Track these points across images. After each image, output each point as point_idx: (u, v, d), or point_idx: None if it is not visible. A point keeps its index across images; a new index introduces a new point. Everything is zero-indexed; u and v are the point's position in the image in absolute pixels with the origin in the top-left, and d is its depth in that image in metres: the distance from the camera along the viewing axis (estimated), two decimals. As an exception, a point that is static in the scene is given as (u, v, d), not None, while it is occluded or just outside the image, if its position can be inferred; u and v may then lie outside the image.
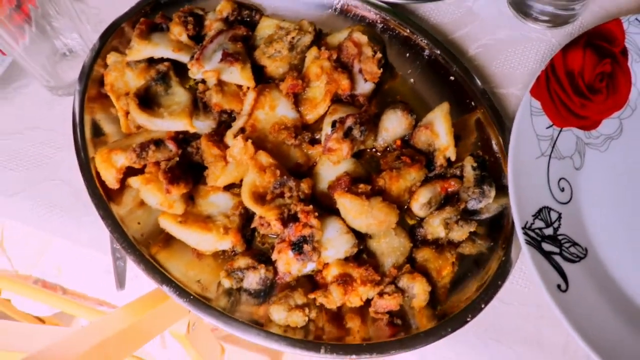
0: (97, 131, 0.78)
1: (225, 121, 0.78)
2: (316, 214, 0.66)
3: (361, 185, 0.69)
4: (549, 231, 0.68)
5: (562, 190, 0.72)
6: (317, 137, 0.77)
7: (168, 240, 0.72)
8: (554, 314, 0.63)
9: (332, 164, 0.73)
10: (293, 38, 0.79)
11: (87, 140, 0.76)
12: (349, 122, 0.71)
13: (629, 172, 0.75)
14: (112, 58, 0.80)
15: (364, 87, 0.78)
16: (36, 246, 1.48)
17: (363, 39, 0.77)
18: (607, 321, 0.65)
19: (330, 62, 0.76)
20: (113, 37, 0.82)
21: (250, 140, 0.71)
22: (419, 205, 0.70)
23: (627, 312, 0.67)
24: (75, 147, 0.75)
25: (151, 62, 0.80)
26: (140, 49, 0.78)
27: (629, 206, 0.73)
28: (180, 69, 0.80)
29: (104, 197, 0.72)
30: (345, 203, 0.68)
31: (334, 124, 0.72)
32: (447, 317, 0.65)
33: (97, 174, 0.73)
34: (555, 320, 0.68)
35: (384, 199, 0.69)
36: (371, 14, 0.83)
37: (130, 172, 0.73)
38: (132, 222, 0.72)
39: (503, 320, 0.70)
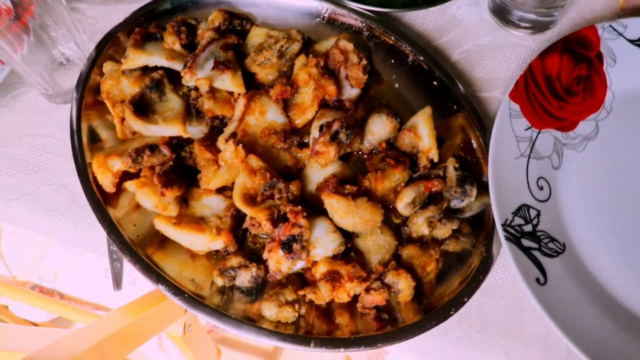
0: (94, 137, 0.80)
1: (217, 126, 0.80)
2: (305, 214, 0.69)
3: (347, 186, 0.72)
4: (528, 228, 0.71)
5: (541, 188, 0.75)
6: (305, 140, 0.79)
7: (163, 241, 0.75)
8: (534, 306, 0.66)
9: (320, 167, 0.76)
10: (282, 46, 0.82)
11: (84, 146, 0.78)
12: (336, 126, 0.74)
13: (604, 170, 0.78)
14: (108, 67, 0.83)
15: (350, 92, 0.81)
16: (33, 252, 1.51)
17: (349, 46, 0.80)
18: (584, 312, 0.68)
19: (318, 69, 0.79)
20: (109, 46, 0.85)
21: (241, 145, 0.73)
22: (403, 204, 0.73)
23: (602, 302, 0.70)
24: (73, 152, 0.78)
25: (145, 70, 0.82)
26: (135, 58, 0.81)
27: (604, 203, 0.76)
28: (173, 77, 0.82)
29: (100, 201, 0.75)
30: (333, 203, 0.71)
31: (321, 128, 0.75)
32: (432, 311, 0.68)
33: (94, 178, 0.76)
34: (535, 312, 0.72)
35: (369, 199, 0.71)
36: (357, 22, 0.87)
37: (126, 176, 0.76)
38: (128, 225, 0.75)
39: (486, 314, 0.73)
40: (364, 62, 0.80)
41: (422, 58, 0.83)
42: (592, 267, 0.72)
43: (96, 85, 0.83)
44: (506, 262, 0.75)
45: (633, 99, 0.81)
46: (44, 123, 0.88)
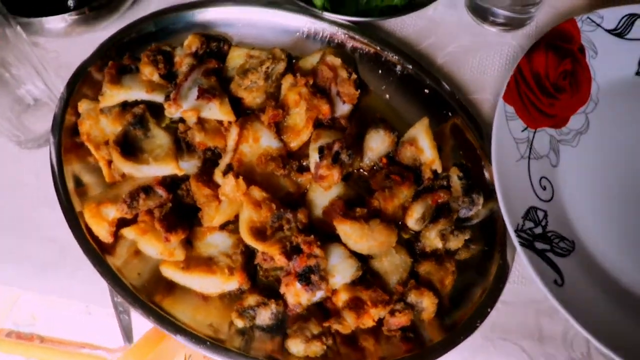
0: (79, 182, 0.76)
1: (209, 158, 0.77)
2: (318, 243, 0.67)
3: (358, 209, 0.70)
4: (538, 230, 0.72)
5: (544, 188, 0.76)
6: (304, 164, 0.77)
7: (171, 286, 0.71)
8: (552, 307, 0.67)
9: (324, 190, 0.74)
10: (268, 68, 0.79)
11: (70, 194, 0.74)
12: (336, 147, 0.72)
13: (599, 162, 0.79)
14: (83, 106, 0.78)
15: (343, 108, 0.79)
16: (7, 296, 1.42)
17: (337, 61, 0.78)
18: (601, 306, 0.70)
19: (308, 88, 0.77)
20: (81, 83, 0.80)
21: (241, 177, 0.70)
22: (413, 220, 0.72)
23: (616, 294, 0.71)
24: (59, 202, 0.73)
25: (125, 106, 0.78)
26: (113, 95, 0.76)
27: (603, 194, 0.77)
28: (154, 109, 0.78)
29: (98, 252, 0.70)
30: (346, 229, 0.69)
31: (321, 151, 0.73)
32: (458, 325, 0.68)
33: (88, 228, 0.71)
34: (551, 312, 0.73)
35: (381, 219, 0.70)
36: (339, 34, 0.84)
37: (122, 222, 0.72)
38: (131, 273, 0.71)
39: (506, 319, 0.73)
40: (354, 76, 0.78)
41: (409, 66, 0.82)
42: (601, 260, 0.73)
43: (72, 127, 0.78)
44: (518, 265, 0.76)
45: (616, 88, 0.83)
46: (16, 172, 0.82)
